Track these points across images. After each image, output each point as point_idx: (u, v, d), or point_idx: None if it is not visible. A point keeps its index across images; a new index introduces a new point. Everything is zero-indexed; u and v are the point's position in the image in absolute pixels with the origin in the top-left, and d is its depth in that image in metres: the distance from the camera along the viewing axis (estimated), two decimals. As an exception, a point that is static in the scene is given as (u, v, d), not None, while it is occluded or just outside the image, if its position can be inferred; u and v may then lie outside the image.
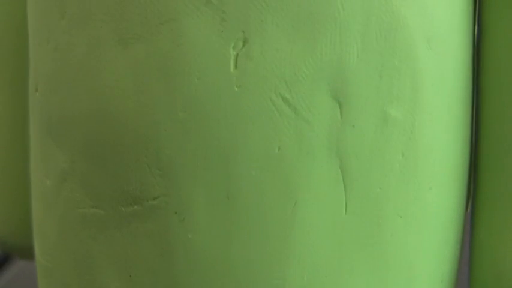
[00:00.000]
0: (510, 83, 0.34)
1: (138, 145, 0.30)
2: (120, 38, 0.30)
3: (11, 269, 0.65)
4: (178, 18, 0.29)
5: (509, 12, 0.34)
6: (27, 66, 0.37)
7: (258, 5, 0.29)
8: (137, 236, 0.31)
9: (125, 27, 0.30)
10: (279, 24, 0.29)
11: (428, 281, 0.34)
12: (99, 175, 0.31)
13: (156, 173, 0.30)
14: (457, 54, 0.33)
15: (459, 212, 0.35)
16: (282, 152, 0.30)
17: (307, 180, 0.30)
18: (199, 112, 0.29)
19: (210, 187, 0.30)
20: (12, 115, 0.43)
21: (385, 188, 0.31)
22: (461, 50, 0.33)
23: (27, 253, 0.45)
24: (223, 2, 0.29)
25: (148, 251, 0.31)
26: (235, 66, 0.29)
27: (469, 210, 0.37)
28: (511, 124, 0.34)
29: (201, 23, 0.29)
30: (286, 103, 0.30)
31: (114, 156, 0.31)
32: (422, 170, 0.32)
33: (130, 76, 0.30)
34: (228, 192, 0.30)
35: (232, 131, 0.29)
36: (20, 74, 0.41)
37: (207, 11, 0.29)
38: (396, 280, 0.32)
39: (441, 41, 0.32)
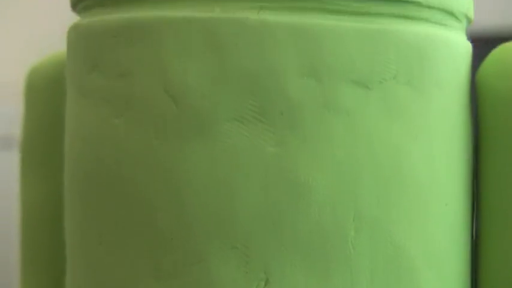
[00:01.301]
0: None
1: None
2: (155, 273, 0.34)
3: None
4: (208, 259, 0.33)
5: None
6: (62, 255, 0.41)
7: (278, 249, 0.33)
8: None
9: (159, 264, 0.33)
10: (296, 265, 0.33)
11: None
12: None
13: None
14: (455, 267, 0.37)
15: None
16: None
17: None
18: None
19: None
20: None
21: None
22: (459, 260, 0.37)
23: None
24: (248, 247, 0.33)
25: None
26: (258, 306, 0.33)
27: None
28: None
29: (228, 265, 0.33)
30: None
31: None
32: None
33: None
34: None
35: None
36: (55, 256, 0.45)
37: (233, 255, 0.33)
38: None
39: (439, 255, 0.36)
